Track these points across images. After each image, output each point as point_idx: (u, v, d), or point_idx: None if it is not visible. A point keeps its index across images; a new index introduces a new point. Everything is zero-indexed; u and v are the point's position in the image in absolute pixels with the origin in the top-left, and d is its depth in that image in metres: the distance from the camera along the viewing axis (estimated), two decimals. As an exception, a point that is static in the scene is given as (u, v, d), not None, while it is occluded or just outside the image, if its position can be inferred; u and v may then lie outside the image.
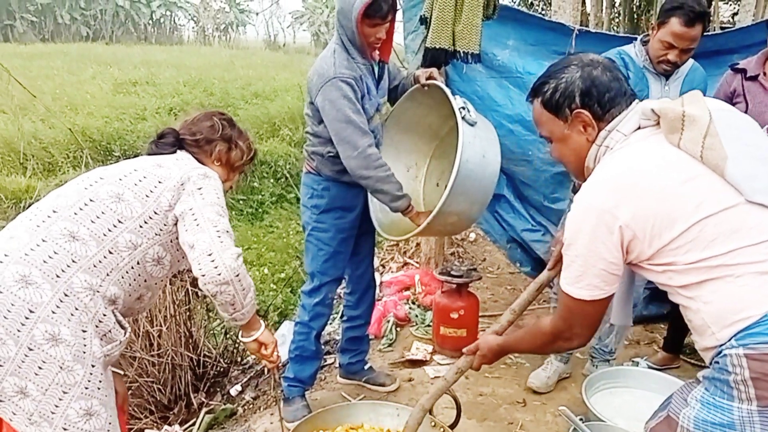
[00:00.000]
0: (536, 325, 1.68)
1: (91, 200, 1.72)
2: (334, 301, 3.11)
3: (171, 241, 1.82)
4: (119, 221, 1.72)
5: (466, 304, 3.41)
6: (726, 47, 3.51)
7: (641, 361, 3.28)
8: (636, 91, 2.56)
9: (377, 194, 2.64)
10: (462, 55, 3.23)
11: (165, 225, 1.79)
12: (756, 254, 1.28)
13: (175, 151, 1.94)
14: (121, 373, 2.06)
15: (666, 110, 1.40)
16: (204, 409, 3.22)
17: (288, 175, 8.56)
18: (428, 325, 3.78)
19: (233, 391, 3.46)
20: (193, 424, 3.13)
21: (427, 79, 2.74)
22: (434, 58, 3.21)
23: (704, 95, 2.75)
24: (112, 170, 1.83)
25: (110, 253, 1.70)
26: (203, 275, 1.70)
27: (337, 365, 3.26)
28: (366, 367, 3.18)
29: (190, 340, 3.51)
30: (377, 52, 2.66)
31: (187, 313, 3.49)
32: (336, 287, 2.94)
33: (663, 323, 3.63)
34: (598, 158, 1.50)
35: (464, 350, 1.95)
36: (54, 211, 1.70)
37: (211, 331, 3.96)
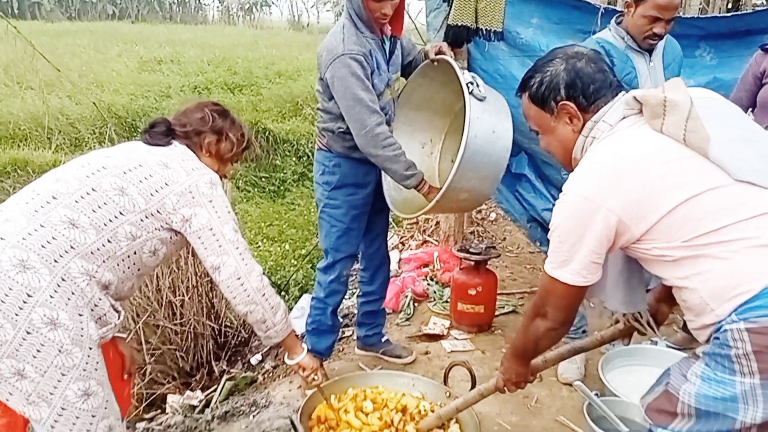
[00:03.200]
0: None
1: (93, 190, 1.73)
2: (350, 278, 3.14)
3: (170, 238, 1.86)
4: (121, 213, 1.74)
5: (484, 281, 3.43)
6: (757, 27, 3.43)
7: (660, 341, 3.27)
8: (624, 75, 2.57)
9: (387, 172, 2.66)
10: (484, 32, 3.20)
11: (167, 224, 1.82)
12: (749, 229, 1.28)
13: (169, 142, 1.94)
14: (124, 336, 2.08)
15: (647, 97, 1.42)
16: (225, 377, 3.30)
17: (309, 154, 8.58)
18: (446, 302, 3.82)
19: (253, 360, 3.54)
20: (215, 390, 3.21)
21: (437, 54, 2.71)
22: (456, 35, 3.18)
23: (680, 67, 2.73)
24: (114, 161, 1.82)
25: (109, 242, 1.72)
26: (234, 297, 1.89)
27: (355, 337, 3.31)
28: (383, 340, 3.23)
29: (212, 311, 3.58)
30: (388, 27, 2.64)
31: (209, 284, 3.56)
32: (350, 264, 2.97)
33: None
34: (585, 148, 1.52)
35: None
36: (54, 197, 1.70)
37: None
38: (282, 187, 8.19)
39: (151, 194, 1.78)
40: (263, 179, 8.33)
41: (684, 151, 1.35)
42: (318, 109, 2.79)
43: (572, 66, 1.53)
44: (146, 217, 1.78)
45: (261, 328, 1.98)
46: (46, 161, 7.61)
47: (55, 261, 1.63)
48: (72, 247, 1.65)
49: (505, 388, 1.95)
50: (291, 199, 7.80)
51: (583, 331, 3.11)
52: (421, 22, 4.14)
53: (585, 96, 1.52)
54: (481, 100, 2.50)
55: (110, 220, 1.72)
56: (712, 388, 1.28)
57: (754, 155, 1.35)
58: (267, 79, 13.54)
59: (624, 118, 1.48)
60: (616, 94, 1.53)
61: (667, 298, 1.76)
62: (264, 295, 1.91)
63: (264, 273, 1.96)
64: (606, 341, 1.97)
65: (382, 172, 2.84)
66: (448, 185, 2.48)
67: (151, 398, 3.24)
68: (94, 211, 1.71)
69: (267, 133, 8.95)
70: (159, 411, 3.17)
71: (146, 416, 3.10)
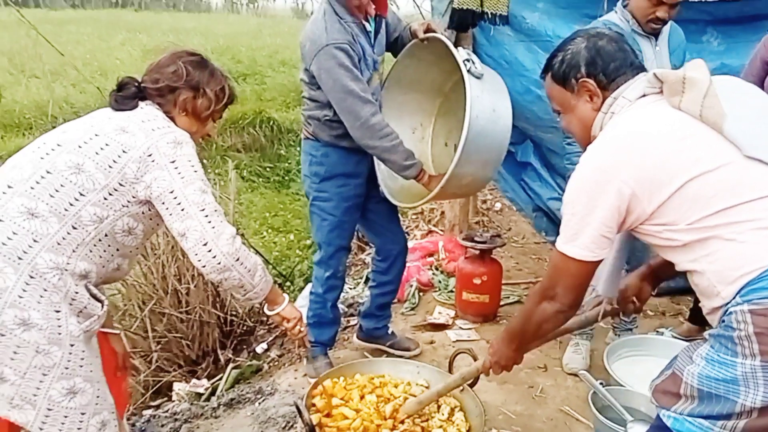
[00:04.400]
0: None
1: (48, 172, 1.58)
2: (361, 268, 3.10)
3: (143, 213, 1.71)
4: (81, 194, 1.59)
5: (489, 270, 3.41)
6: (765, 12, 3.38)
7: (666, 332, 3.26)
8: None
9: (385, 163, 2.57)
10: (490, 16, 3.18)
11: (133, 197, 1.66)
12: (756, 210, 1.29)
13: (137, 105, 1.74)
14: (118, 332, 2.00)
15: (668, 74, 1.43)
16: (231, 365, 3.31)
17: (314, 144, 8.57)
18: (451, 291, 3.81)
19: (259, 349, 3.55)
20: (220, 378, 3.22)
21: (426, 31, 2.60)
22: (461, 19, 3.17)
23: (684, 53, 2.73)
24: (70, 135, 1.66)
25: (74, 228, 1.58)
26: (203, 266, 1.68)
27: (358, 328, 3.23)
28: (389, 332, 3.17)
29: (218, 299, 3.58)
30: (372, 6, 2.53)
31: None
32: (345, 256, 2.89)
33: (689, 295, 3.59)
34: (604, 124, 1.53)
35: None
36: (9, 187, 1.57)
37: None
38: (287, 177, 8.16)
39: (110, 166, 1.61)
40: (268, 169, 8.31)
41: (699, 126, 1.36)
42: (303, 97, 2.68)
43: (593, 44, 1.55)
44: (109, 194, 1.62)
45: (239, 293, 1.79)
46: (51, 150, 7.62)
47: (20, 258, 1.52)
48: (35, 240, 1.54)
49: (491, 371, 1.95)
50: (296, 189, 7.77)
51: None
52: (426, 9, 4.12)
53: (605, 73, 1.53)
54: (478, 78, 2.43)
55: (71, 204, 1.58)
56: (715, 370, 1.28)
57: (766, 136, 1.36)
58: (271, 68, 13.51)
59: (644, 96, 1.48)
60: (637, 74, 1.53)
61: (651, 277, 1.78)
62: (238, 259, 1.70)
63: (260, 257, 1.83)
64: (591, 322, 1.97)
65: (375, 160, 2.75)
66: (452, 171, 2.41)
67: (157, 386, 3.25)
68: (51, 196, 1.56)
69: (271, 122, 8.92)
70: (165, 398, 3.18)
71: (152, 404, 3.12)
